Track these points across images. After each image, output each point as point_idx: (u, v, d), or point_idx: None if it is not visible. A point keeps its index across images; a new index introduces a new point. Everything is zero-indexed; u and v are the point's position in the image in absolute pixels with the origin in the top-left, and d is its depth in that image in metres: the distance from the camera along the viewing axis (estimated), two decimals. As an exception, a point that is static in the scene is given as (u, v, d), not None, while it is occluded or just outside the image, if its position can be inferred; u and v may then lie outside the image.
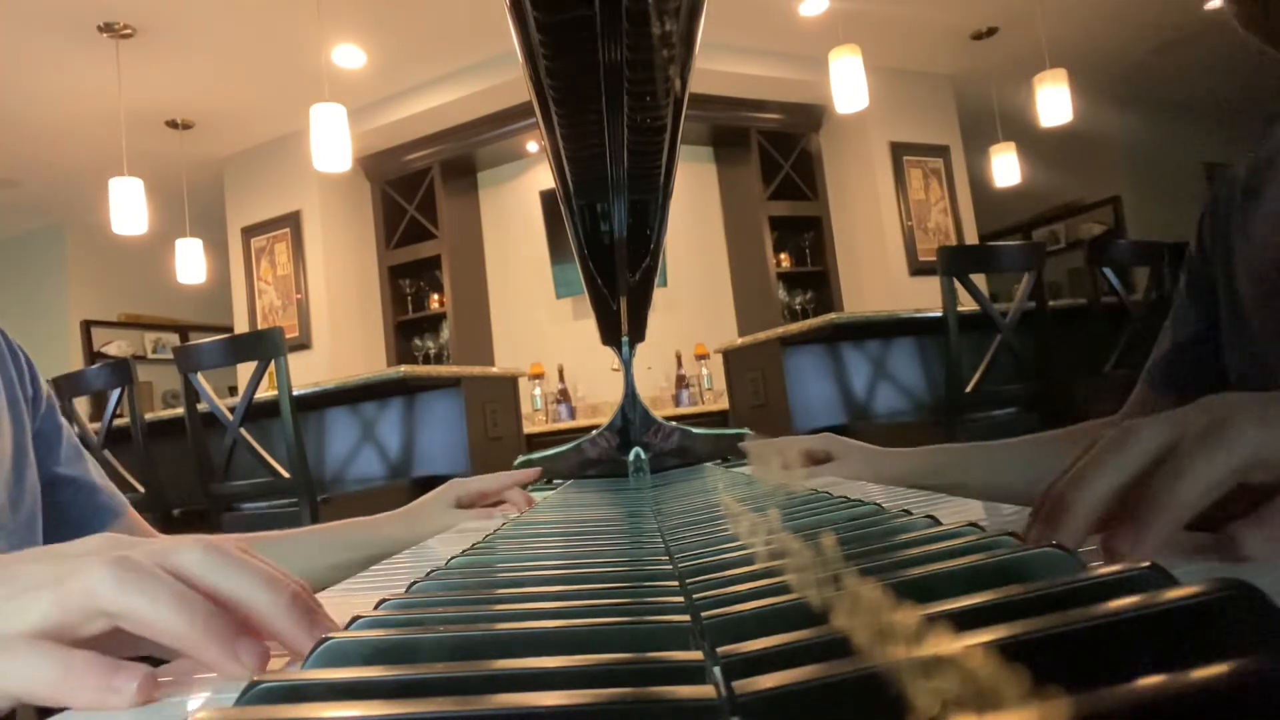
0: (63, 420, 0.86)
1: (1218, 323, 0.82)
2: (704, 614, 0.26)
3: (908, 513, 0.46)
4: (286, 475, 2.47)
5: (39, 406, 0.83)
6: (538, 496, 1.06)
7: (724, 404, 4.11)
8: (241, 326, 5.46)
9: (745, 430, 1.27)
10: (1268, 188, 0.74)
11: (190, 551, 0.33)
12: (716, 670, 0.20)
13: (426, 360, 5.49)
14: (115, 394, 2.73)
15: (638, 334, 1.18)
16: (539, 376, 5.10)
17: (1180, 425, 0.33)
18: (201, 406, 2.62)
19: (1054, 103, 4.50)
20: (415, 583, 0.41)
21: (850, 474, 0.92)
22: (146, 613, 0.30)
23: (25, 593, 0.31)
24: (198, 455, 2.62)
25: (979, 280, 2.58)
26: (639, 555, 0.45)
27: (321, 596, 0.45)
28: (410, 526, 0.91)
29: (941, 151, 5.47)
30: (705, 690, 0.18)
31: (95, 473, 0.87)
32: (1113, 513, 0.33)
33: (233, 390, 5.42)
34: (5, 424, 0.76)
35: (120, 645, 0.32)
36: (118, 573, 0.31)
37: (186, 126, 5.05)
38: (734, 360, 3.22)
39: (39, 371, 0.85)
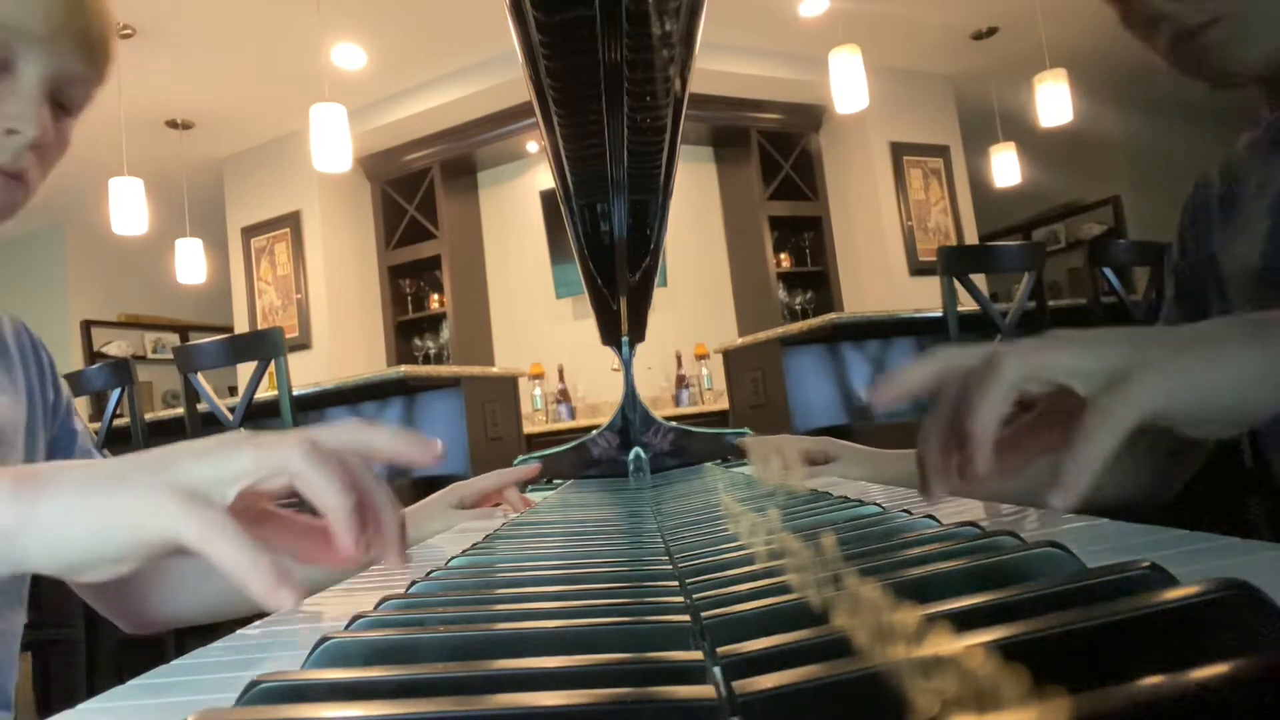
0: (78, 425, 0.85)
1: None
2: (704, 614, 0.26)
3: (908, 513, 0.46)
4: (286, 475, 2.47)
5: (58, 412, 0.82)
6: (537, 497, 1.06)
7: (724, 404, 4.10)
8: (241, 326, 5.46)
9: (745, 430, 1.27)
10: (1242, 204, 0.74)
11: (298, 444, 0.41)
12: (716, 670, 0.20)
13: (426, 360, 5.49)
14: (115, 394, 2.73)
15: (638, 334, 1.18)
16: (539, 376, 5.10)
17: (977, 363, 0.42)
18: (201, 406, 2.62)
19: (1054, 103, 4.49)
20: (415, 583, 0.41)
21: (851, 475, 0.92)
22: (320, 483, 0.40)
23: (236, 448, 0.41)
24: (198, 455, 2.62)
25: (979, 280, 2.58)
26: (639, 555, 0.45)
27: (321, 596, 0.45)
28: (410, 527, 0.90)
29: (941, 151, 5.47)
30: (705, 690, 0.18)
31: None
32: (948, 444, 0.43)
33: (233, 390, 5.42)
34: (23, 435, 0.75)
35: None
36: (308, 449, 0.41)
37: (186, 126, 5.05)
38: (734, 360, 3.22)
39: (59, 373, 0.84)
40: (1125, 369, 0.37)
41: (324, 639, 0.27)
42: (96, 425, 2.85)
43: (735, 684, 0.18)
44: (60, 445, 0.82)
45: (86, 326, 6.27)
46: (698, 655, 0.22)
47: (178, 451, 0.41)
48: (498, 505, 0.96)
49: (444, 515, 0.91)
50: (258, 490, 0.41)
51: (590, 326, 1.26)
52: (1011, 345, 0.40)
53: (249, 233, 5.48)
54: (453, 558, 0.49)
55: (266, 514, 0.48)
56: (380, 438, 0.46)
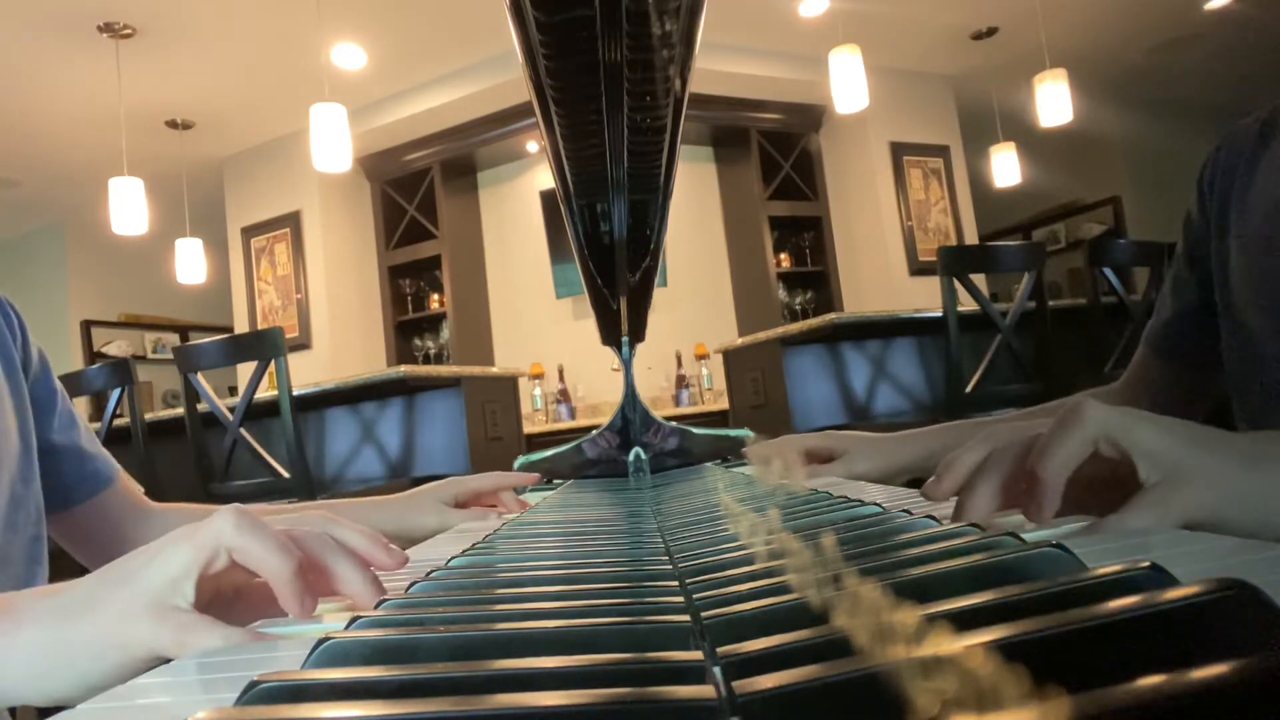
0: (57, 384, 0.85)
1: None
2: (704, 614, 0.26)
3: (908, 513, 0.46)
4: (286, 475, 2.47)
5: (29, 369, 0.82)
6: (537, 497, 1.06)
7: (724, 404, 4.10)
8: (241, 326, 5.45)
9: (745, 431, 1.27)
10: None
11: (226, 517, 0.40)
12: (716, 670, 0.20)
13: (426, 360, 5.49)
14: (115, 394, 2.73)
15: (638, 334, 1.18)
16: (539, 376, 5.10)
17: (1056, 415, 0.43)
18: (201, 406, 2.62)
19: (1054, 103, 4.49)
20: (415, 583, 0.41)
21: (860, 469, 0.92)
22: (256, 550, 0.39)
23: (174, 545, 0.40)
24: (198, 455, 2.62)
25: (979, 280, 2.58)
26: (639, 555, 0.45)
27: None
28: (400, 517, 0.91)
29: (941, 151, 5.47)
30: (705, 690, 0.18)
31: (86, 439, 0.86)
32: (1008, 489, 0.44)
33: (233, 390, 5.42)
34: (6, 398, 0.75)
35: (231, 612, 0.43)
36: (236, 520, 0.40)
37: (186, 126, 5.05)
38: (734, 360, 3.22)
39: (29, 332, 0.84)
40: (1186, 470, 0.39)
41: (324, 639, 0.27)
42: (96, 425, 2.85)
43: (735, 684, 0.18)
44: (41, 403, 0.82)
45: (86, 326, 6.27)
46: (698, 655, 0.22)
47: (131, 564, 0.40)
48: (493, 507, 0.96)
49: (438, 511, 0.91)
50: (215, 573, 0.40)
51: (590, 326, 1.26)
52: (1089, 402, 0.42)
53: (249, 233, 5.48)
54: (452, 558, 0.49)
55: (245, 588, 0.46)
56: (351, 536, 0.46)
